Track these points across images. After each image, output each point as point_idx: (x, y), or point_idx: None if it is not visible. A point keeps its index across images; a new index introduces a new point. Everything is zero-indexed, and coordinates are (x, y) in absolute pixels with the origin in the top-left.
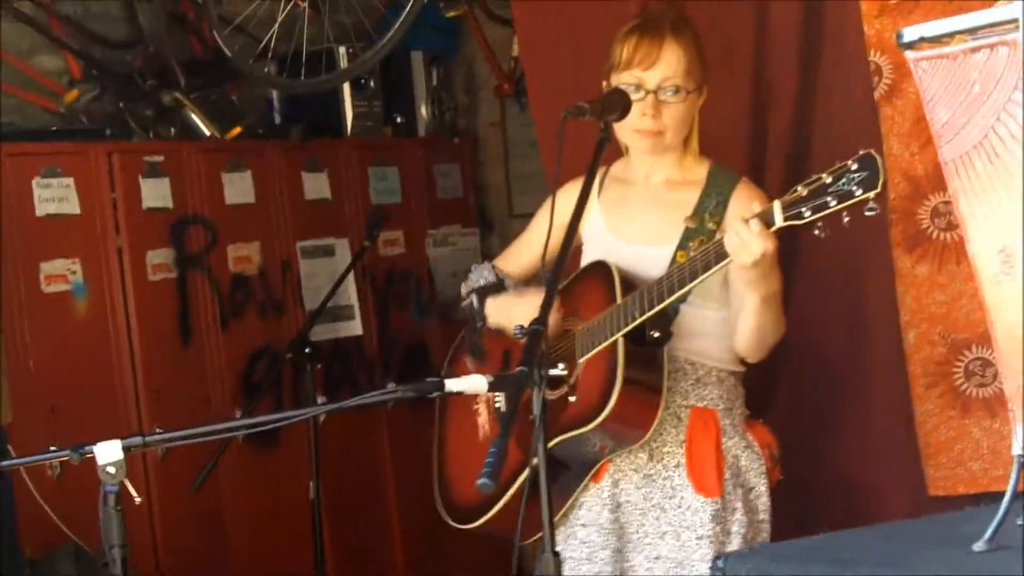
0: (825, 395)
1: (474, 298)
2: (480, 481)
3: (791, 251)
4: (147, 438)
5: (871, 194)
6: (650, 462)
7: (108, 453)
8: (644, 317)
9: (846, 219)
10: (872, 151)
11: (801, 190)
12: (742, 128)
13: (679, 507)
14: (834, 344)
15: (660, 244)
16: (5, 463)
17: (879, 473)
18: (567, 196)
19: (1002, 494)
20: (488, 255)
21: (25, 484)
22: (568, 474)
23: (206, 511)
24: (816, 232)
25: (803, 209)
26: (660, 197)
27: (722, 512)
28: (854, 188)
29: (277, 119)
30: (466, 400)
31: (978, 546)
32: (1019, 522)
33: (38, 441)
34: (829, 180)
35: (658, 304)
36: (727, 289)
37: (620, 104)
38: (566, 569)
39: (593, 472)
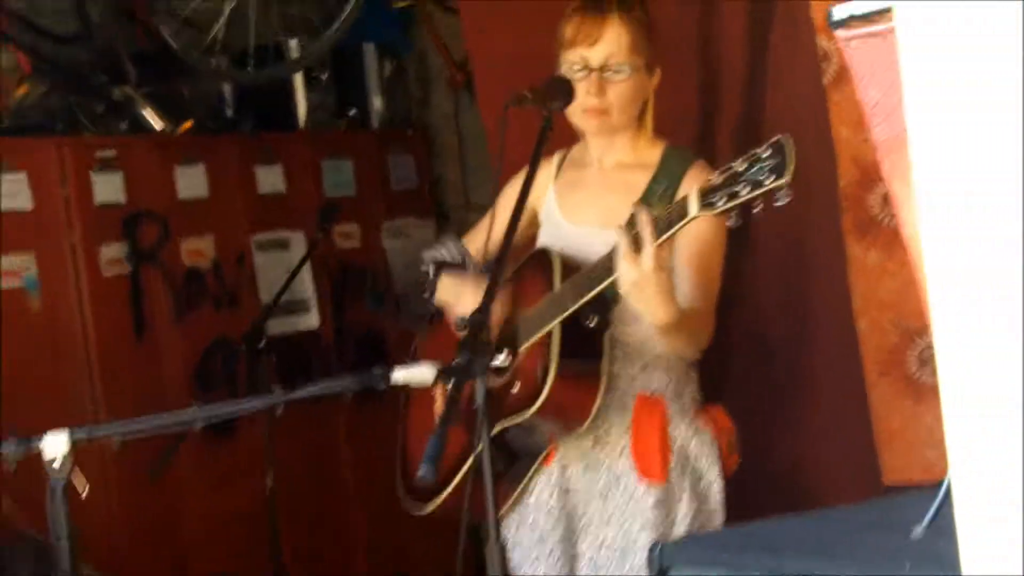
0: (777, 382)
1: (431, 268)
2: (420, 471)
3: (743, 237)
4: (93, 430)
5: (780, 182)
6: (595, 448)
7: (55, 446)
8: (577, 304)
9: (756, 209)
10: (783, 137)
11: (716, 179)
12: (691, 111)
13: (623, 494)
14: (787, 331)
15: (608, 227)
16: None
17: (834, 462)
18: (515, 187)
19: None
20: None
21: None
22: (521, 460)
23: (163, 504)
24: (728, 223)
25: (715, 199)
26: (611, 180)
27: (666, 500)
28: (764, 177)
29: (229, 112)
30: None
31: (916, 532)
32: None
33: None
34: (742, 168)
35: (588, 292)
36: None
37: (562, 91)
38: (517, 554)
39: (543, 457)
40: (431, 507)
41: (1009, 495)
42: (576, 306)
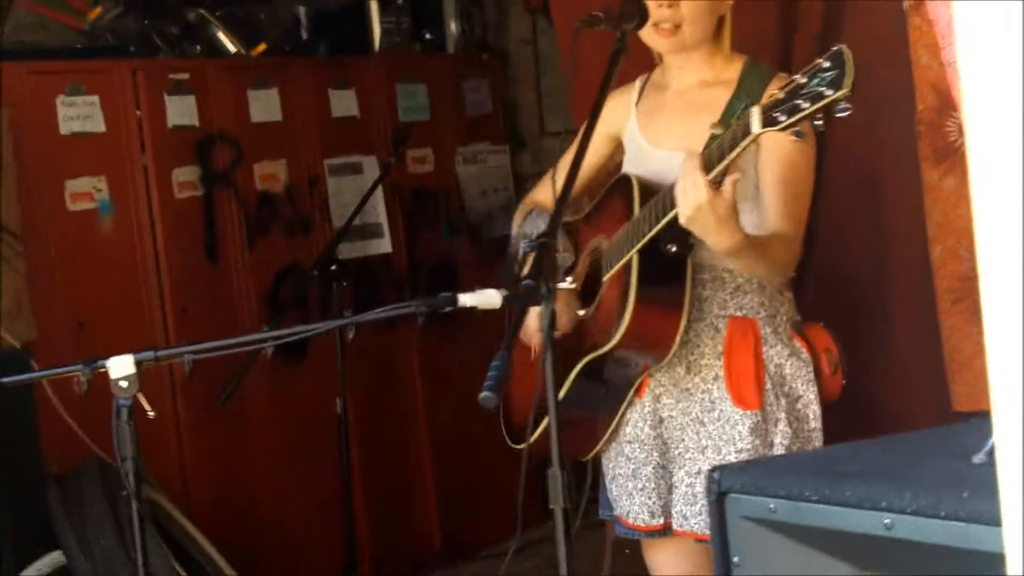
0: (849, 310)
1: (523, 245)
2: (481, 395)
3: (818, 160)
4: (158, 352)
5: (840, 94)
6: (687, 375)
7: (120, 367)
8: (654, 231)
9: (817, 122)
10: (842, 47)
11: (778, 93)
12: (769, 30)
13: (718, 420)
14: (859, 259)
15: (691, 148)
16: (17, 378)
17: (906, 389)
18: (609, 107)
19: None
20: (518, 173)
21: (49, 401)
22: (614, 392)
23: (232, 428)
24: (793, 139)
25: (777, 114)
26: (691, 99)
27: (763, 424)
28: (824, 89)
29: (304, 36)
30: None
31: (978, 458)
32: None
33: (65, 358)
34: (804, 80)
35: (664, 216)
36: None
37: (636, 13)
38: (615, 486)
39: (635, 387)
40: (523, 445)
41: None
42: (652, 233)
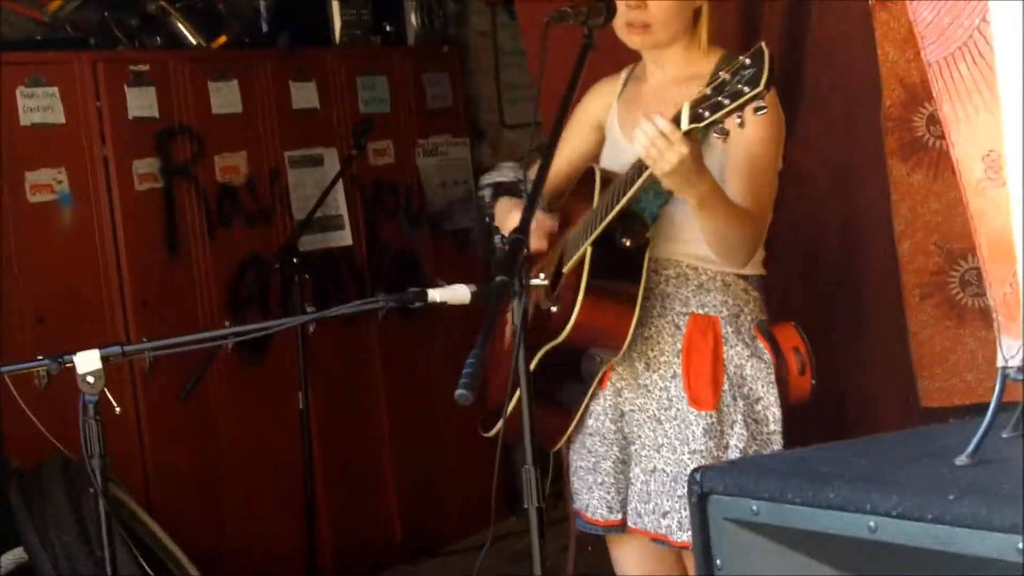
0: (816, 305)
1: (488, 192)
2: (457, 392)
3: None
4: (125, 347)
5: (756, 91)
6: (647, 372)
7: (87, 362)
8: (604, 223)
9: (738, 120)
10: (762, 44)
11: (706, 89)
12: (731, 21)
13: (675, 419)
14: (826, 254)
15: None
16: None
17: (871, 384)
18: (595, 96)
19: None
20: (478, 165)
21: (11, 395)
22: (578, 383)
23: (194, 422)
24: (715, 136)
25: (703, 110)
26: (665, 95)
27: (718, 426)
28: (743, 87)
29: (264, 28)
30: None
31: (961, 460)
32: (1003, 435)
33: (25, 351)
34: (728, 78)
35: (613, 208)
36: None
37: (604, 8)
38: (576, 479)
39: (597, 380)
40: (493, 432)
41: None
42: (604, 223)
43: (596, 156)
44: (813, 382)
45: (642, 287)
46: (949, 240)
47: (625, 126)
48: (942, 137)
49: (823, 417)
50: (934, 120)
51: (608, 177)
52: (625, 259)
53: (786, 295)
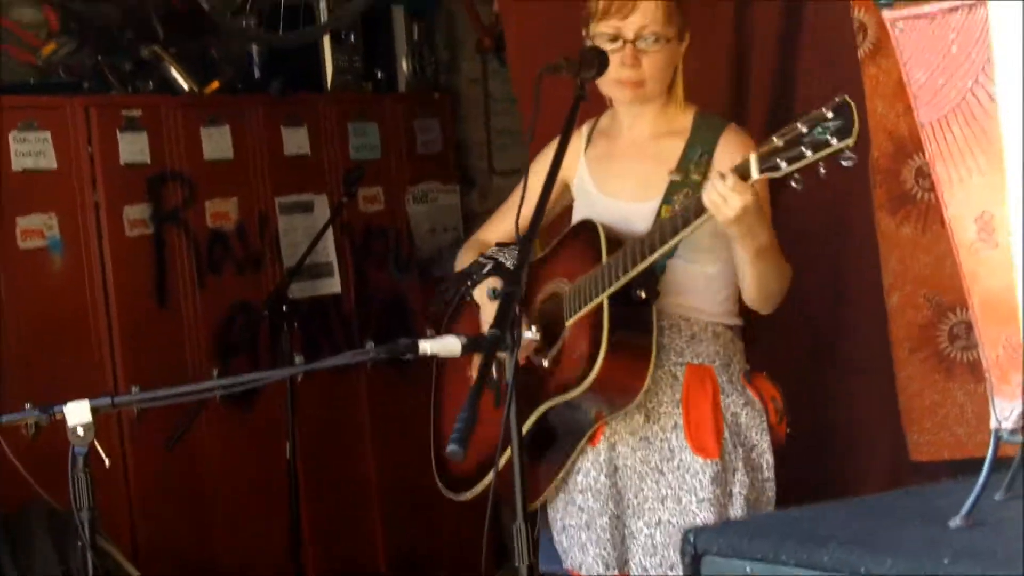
0: (806, 358)
1: (490, 264)
2: (449, 447)
3: (776, 207)
4: (115, 399)
5: (846, 143)
6: (647, 424)
7: (77, 414)
8: (627, 276)
9: (822, 170)
10: (847, 97)
11: (777, 140)
12: (722, 74)
13: (678, 469)
14: (816, 307)
15: (645, 199)
16: None
17: (859, 437)
18: (550, 154)
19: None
20: (468, 211)
21: None
22: (564, 439)
23: (181, 471)
24: (793, 184)
25: (779, 160)
26: (644, 149)
27: (723, 473)
28: (829, 137)
29: (256, 73)
30: (462, 363)
31: (954, 522)
32: (997, 497)
33: (13, 398)
34: (804, 129)
35: (641, 263)
36: (720, 241)
37: (596, 61)
38: (565, 538)
39: (589, 436)
40: (469, 495)
41: None
42: (627, 277)
43: (556, 212)
44: (788, 430)
45: (655, 339)
46: (938, 293)
47: (602, 182)
48: (930, 190)
49: (812, 469)
50: (922, 173)
51: (613, 232)
52: (637, 312)
53: (774, 346)
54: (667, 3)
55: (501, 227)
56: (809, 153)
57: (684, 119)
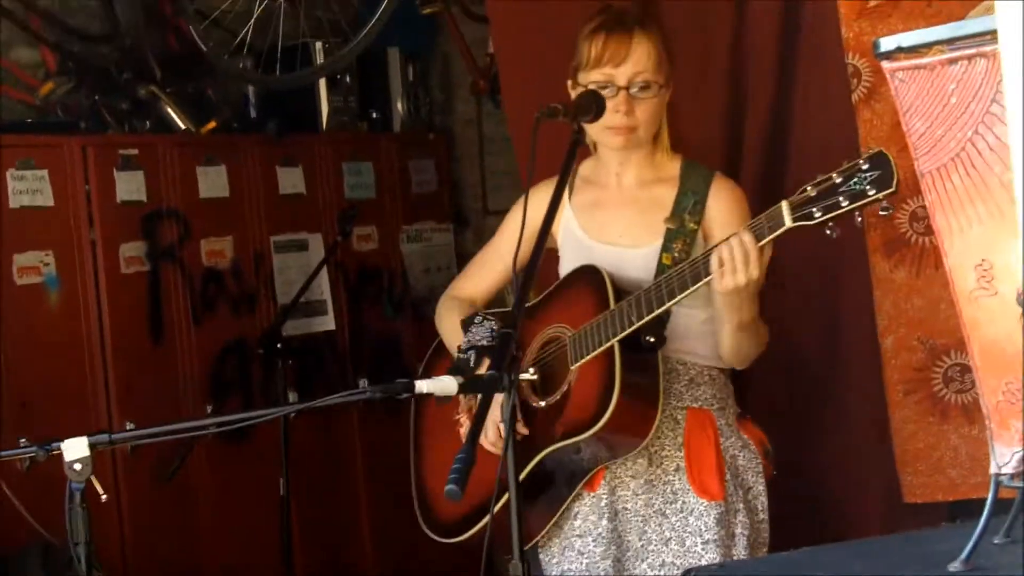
0: (800, 400)
1: (473, 355)
2: (447, 488)
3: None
4: (113, 436)
5: (886, 193)
6: (650, 467)
7: (75, 450)
8: (642, 322)
9: (859, 219)
10: (883, 150)
11: (810, 190)
12: (717, 128)
13: (681, 512)
14: (810, 349)
15: (640, 245)
16: None
17: (854, 479)
18: (537, 199)
19: (980, 502)
20: (462, 251)
21: None
22: (558, 483)
23: (175, 506)
24: (828, 232)
25: (813, 210)
26: (634, 197)
27: (726, 515)
28: (867, 187)
29: (252, 113)
30: (446, 411)
31: (954, 566)
32: (996, 541)
33: (8, 434)
34: (839, 180)
35: (657, 309)
36: (709, 288)
37: (594, 105)
38: None
39: (586, 480)
40: (467, 535)
41: None
42: (641, 323)
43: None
44: (774, 472)
45: (661, 383)
46: (932, 336)
47: (595, 229)
48: (924, 234)
49: (806, 512)
50: (916, 217)
51: (617, 279)
52: (645, 357)
53: (769, 389)
54: (658, 51)
55: (480, 276)
56: (846, 203)
57: (672, 166)
